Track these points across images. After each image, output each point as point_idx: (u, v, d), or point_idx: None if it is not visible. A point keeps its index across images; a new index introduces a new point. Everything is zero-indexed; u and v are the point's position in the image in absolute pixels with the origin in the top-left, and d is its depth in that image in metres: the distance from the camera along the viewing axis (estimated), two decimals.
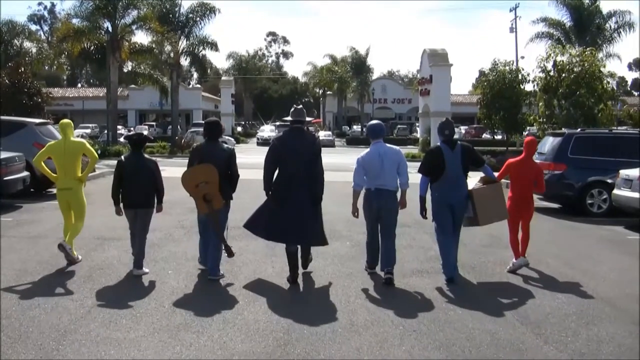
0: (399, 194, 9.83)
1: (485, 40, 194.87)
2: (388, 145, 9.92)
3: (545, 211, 18.01)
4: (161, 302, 8.38)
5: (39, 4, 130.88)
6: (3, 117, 19.96)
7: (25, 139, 18.70)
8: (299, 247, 9.71)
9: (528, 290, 9.44)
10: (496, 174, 10.71)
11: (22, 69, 32.99)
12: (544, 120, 28.01)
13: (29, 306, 8.06)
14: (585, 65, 26.09)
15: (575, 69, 26.11)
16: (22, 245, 11.82)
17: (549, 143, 19.02)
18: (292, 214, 9.27)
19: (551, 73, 27.25)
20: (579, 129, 19.54)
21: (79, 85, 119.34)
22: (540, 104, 28.30)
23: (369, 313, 8.10)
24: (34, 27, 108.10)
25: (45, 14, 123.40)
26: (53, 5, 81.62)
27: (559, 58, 27.27)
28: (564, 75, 26.55)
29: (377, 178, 9.61)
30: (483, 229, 12.40)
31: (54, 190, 19.43)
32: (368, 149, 9.88)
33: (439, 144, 10.06)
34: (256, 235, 10.20)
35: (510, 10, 67.24)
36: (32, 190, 18.77)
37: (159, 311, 7.98)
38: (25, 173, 17.24)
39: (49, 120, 23.33)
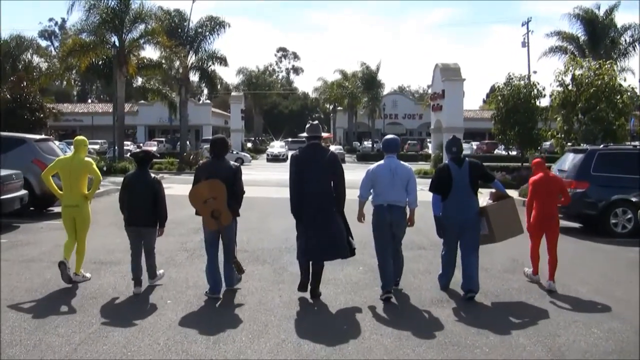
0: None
1: (496, 55, 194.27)
2: (401, 161, 9.85)
3: (566, 231, 17.14)
4: (156, 338, 7.55)
5: (50, 19, 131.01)
6: (2, 133, 19.29)
7: (25, 156, 18.15)
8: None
9: (561, 324, 8.54)
10: (509, 191, 10.12)
11: (25, 83, 32.28)
12: (562, 135, 27.15)
13: (8, 342, 7.28)
14: (605, 78, 25.24)
15: (595, 82, 25.22)
16: (13, 270, 11.06)
17: (569, 160, 18.18)
18: (319, 230, 9.28)
19: (569, 87, 26.41)
20: (601, 145, 18.68)
21: (89, 100, 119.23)
22: (558, 119, 27.44)
23: (386, 352, 7.25)
24: (44, 43, 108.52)
25: (56, 29, 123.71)
26: (64, 21, 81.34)
27: (577, 72, 26.42)
28: (582, 89, 25.68)
29: (388, 193, 9.53)
30: (505, 252, 12.28)
31: (55, 209, 19.14)
32: (380, 162, 9.88)
33: (446, 161, 10.15)
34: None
35: (522, 25, 66.68)
36: (31, 209, 18.14)
37: (152, 349, 7.16)
38: (23, 192, 16.59)
39: (50, 137, 22.69)
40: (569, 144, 25.85)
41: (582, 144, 23.02)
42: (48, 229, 15.70)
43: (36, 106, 31.53)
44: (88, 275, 10.44)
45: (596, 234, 16.60)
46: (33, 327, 7.89)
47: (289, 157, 9.97)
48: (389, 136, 10.30)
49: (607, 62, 27.07)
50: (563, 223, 17.66)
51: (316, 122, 9.96)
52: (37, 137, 20.07)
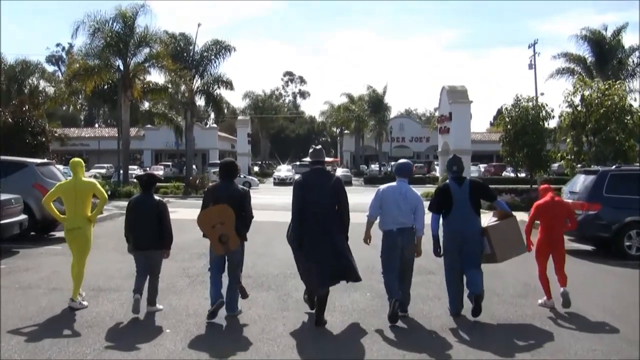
0: None
1: (503, 77, 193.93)
2: (411, 187, 9.81)
3: (578, 254, 16.75)
4: None
5: (57, 44, 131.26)
6: (3, 157, 18.97)
7: (26, 180, 17.86)
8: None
9: (579, 352, 8.13)
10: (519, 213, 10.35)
11: (27, 107, 31.99)
12: (572, 157, 26.76)
13: None
14: (615, 98, 24.87)
15: (605, 103, 24.85)
16: (8, 297, 10.66)
17: (581, 181, 17.80)
18: (325, 255, 8.99)
19: (579, 108, 26.06)
20: (613, 166, 18.27)
21: (96, 125, 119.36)
22: (568, 140, 27.07)
23: None
24: (51, 68, 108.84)
25: (63, 54, 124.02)
26: (71, 46, 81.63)
27: (586, 92, 26.09)
28: (592, 109, 25.32)
29: (397, 215, 9.51)
30: (517, 277, 12.15)
31: (57, 234, 18.85)
32: (392, 183, 9.91)
33: (447, 181, 10.15)
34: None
35: (529, 47, 66.41)
36: (32, 233, 17.82)
37: None
38: (23, 216, 16.25)
39: (51, 161, 22.38)
40: (578, 165, 25.48)
41: (592, 165, 22.66)
42: (48, 254, 15.34)
43: (38, 130, 31.09)
44: (85, 303, 10.11)
45: (609, 256, 16.14)
46: (23, 357, 7.51)
47: (293, 182, 9.75)
48: (402, 160, 10.31)
49: (617, 82, 26.70)
50: (575, 245, 17.39)
51: (319, 146, 9.86)
52: (39, 161, 19.75)
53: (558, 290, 10.41)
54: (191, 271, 13.20)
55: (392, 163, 16.58)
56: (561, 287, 10.41)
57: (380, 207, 9.66)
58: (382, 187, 9.88)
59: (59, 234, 18.61)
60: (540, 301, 10.71)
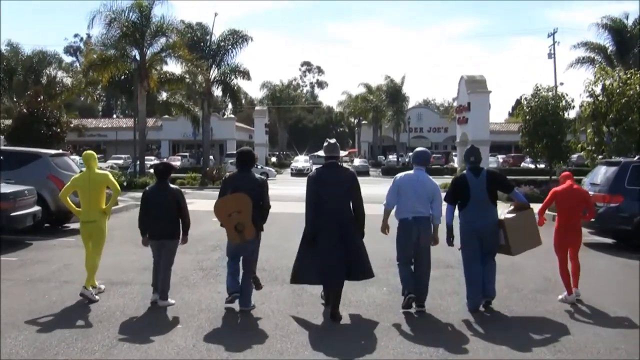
0: None
1: (521, 67, 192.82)
2: (429, 176, 9.70)
3: (598, 247, 16.41)
4: None
5: (75, 35, 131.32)
6: (17, 148, 18.87)
7: (40, 171, 17.68)
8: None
9: (602, 351, 7.85)
10: (531, 205, 10.18)
11: (41, 97, 31.86)
12: (593, 148, 26.34)
13: None
14: (637, 88, 24.37)
15: (627, 92, 24.36)
16: (17, 291, 10.55)
17: (602, 173, 17.40)
18: (338, 252, 8.96)
19: (600, 98, 25.60)
20: (636, 157, 17.86)
21: (114, 116, 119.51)
22: (589, 130, 26.63)
23: None
24: (69, 59, 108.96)
25: (81, 45, 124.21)
26: (89, 37, 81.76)
27: (607, 82, 25.61)
28: (613, 99, 24.85)
29: (412, 205, 9.39)
30: (538, 271, 11.91)
31: (71, 226, 18.71)
32: (409, 172, 9.83)
33: (464, 171, 9.99)
34: (308, 283, 9.78)
35: (549, 36, 66.04)
36: (46, 225, 17.71)
37: None
38: (36, 208, 16.11)
39: (66, 152, 22.25)
40: (599, 156, 25.05)
41: (613, 156, 22.26)
42: (61, 247, 15.21)
43: (53, 120, 31.01)
44: (97, 297, 9.98)
45: (631, 250, 15.71)
46: (30, 353, 7.34)
47: (307, 177, 9.66)
48: (419, 148, 10.19)
49: (639, 71, 26.17)
50: (595, 238, 17.03)
51: (334, 140, 9.64)
52: (53, 152, 19.62)
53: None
54: (205, 264, 13.03)
55: (410, 154, 16.70)
56: (573, 287, 10.30)
57: (398, 195, 9.54)
58: (399, 175, 9.81)
59: (73, 225, 18.51)
60: (560, 297, 10.40)
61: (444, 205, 9.79)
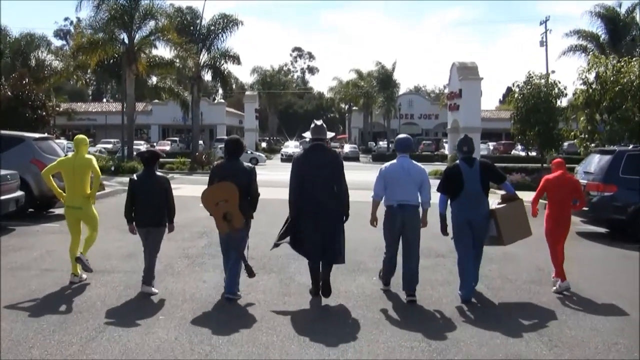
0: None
1: (512, 55, 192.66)
2: (414, 161, 9.67)
3: (591, 236, 16.21)
4: None
5: (65, 19, 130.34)
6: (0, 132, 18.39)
7: (23, 155, 17.21)
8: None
9: (600, 347, 7.61)
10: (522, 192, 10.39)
11: (27, 80, 31.28)
12: (586, 136, 26.06)
13: None
14: (632, 76, 24.06)
15: (621, 80, 24.06)
16: None
17: (595, 162, 17.12)
18: (319, 232, 9.02)
19: (593, 85, 25.29)
20: (630, 146, 17.59)
21: (105, 100, 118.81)
22: (582, 118, 26.34)
23: None
24: (59, 42, 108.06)
25: (72, 29, 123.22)
26: (79, 20, 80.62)
27: (601, 69, 25.30)
28: (607, 87, 24.54)
29: (399, 193, 9.35)
30: (530, 262, 11.63)
31: (56, 211, 18.36)
32: (393, 161, 9.74)
33: (457, 161, 9.87)
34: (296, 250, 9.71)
35: (541, 24, 65.89)
36: (30, 210, 17.35)
37: None
38: (19, 193, 15.73)
39: (50, 136, 21.78)
40: (592, 144, 24.81)
41: (606, 145, 22.01)
42: (44, 233, 14.86)
43: (38, 104, 30.44)
44: (85, 276, 10.18)
45: (625, 239, 15.45)
46: (3, 346, 7.01)
47: (292, 159, 9.71)
48: (401, 135, 10.16)
49: (634, 59, 25.87)
50: (587, 228, 16.80)
51: (320, 122, 9.64)
52: (37, 135, 19.14)
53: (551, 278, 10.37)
54: (191, 251, 12.73)
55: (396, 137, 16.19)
56: (565, 277, 10.12)
57: (385, 186, 9.49)
58: (384, 165, 9.75)
59: (58, 211, 18.18)
60: (554, 288, 10.21)
61: (437, 195, 9.75)
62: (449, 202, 9.68)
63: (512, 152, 68.81)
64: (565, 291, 9.98)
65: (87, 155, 10.50)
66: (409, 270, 9.40)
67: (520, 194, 10.27)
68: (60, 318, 8.16)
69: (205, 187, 9.35)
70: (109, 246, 12.78)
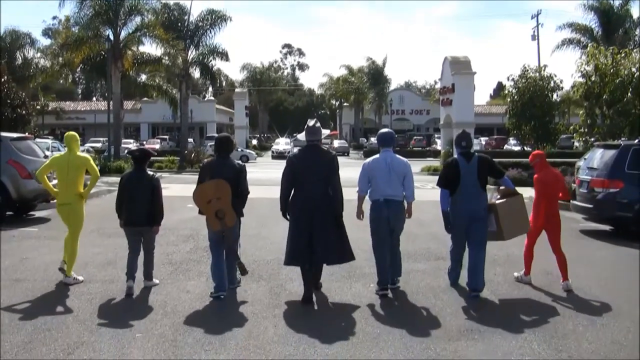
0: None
1: (504, 50, 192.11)
2: (397, 155, 9.67)
3: (596, 234, 15.54)
4: None
5: (53, 17, 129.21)
6: None
7: None
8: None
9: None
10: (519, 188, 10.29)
11: (5, 77, 30.33)
12: (586, 130, 25.39)
13: None
14: (632, 69, 23.41)
15: (621, 73, 23.40)
16: None
17: (598, 157, 16.41)
18: (304, 237, 8.93)
19: (592, 78, 24.62)
20: (636, 140, 16.87)
21: (94, 99, 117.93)
22: (581, 112, 25.70)
23: None
24: (47, 41, 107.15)
25: (60, 28, 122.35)
26: (68, 19, 79.52)
27: (601, 60, 24.62)
28: (607, 79, 23.88)
29: (384, 188, 9.36)
30: (536, 264, 10.80)
31: (36, 214, 17.60)
32: (376, 156, 9.77)
33: (455, 156, 9.99)
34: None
35: (532, 18, 65.58)
36: (9, 213, 16.55)
37: None
38: None
39: (28, 135, 20.84)
40: (592, 139, 24.16)
41: (607, 139, 21.37)
42: (20, 238, 13.96)
43: (18, 102, 29.51)
44: (80, 278, 10.10)
45: (630, 238, 14.72)
46: None
47: (287, 157, 9.49)
48: (383, 130, 10.15)
49: (635, 50, 25.28)
50: (591, 225, 16.14)
51: (314, 122, 9.51)
52: (14, 135, 18.22)
53: (559, 282, 10.03)
54: (175, 257, 11.97)
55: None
56: (563, 280, 9.97)
57: (369, 181, 9.51)
58: (367, 160, 9.77)
59: (39, 213, 17.52)
60: (516, 274, 10.49)
61: (437, 190, 9.81)
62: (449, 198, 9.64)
63: (504, 147, 68.37)
64: (526, 283, 10.19)
65: (83, 154, 10.56)
66: (394, 261, 9.64)
67: (518, 190, 10.18)
68: (27, 336, 7.35)
69: (195, 185, 9.24)
70: (86, 252, 11.81)
